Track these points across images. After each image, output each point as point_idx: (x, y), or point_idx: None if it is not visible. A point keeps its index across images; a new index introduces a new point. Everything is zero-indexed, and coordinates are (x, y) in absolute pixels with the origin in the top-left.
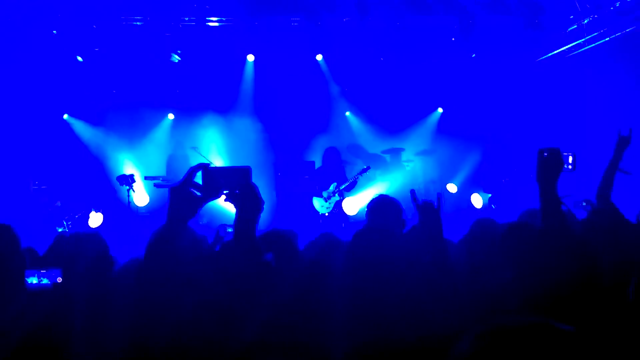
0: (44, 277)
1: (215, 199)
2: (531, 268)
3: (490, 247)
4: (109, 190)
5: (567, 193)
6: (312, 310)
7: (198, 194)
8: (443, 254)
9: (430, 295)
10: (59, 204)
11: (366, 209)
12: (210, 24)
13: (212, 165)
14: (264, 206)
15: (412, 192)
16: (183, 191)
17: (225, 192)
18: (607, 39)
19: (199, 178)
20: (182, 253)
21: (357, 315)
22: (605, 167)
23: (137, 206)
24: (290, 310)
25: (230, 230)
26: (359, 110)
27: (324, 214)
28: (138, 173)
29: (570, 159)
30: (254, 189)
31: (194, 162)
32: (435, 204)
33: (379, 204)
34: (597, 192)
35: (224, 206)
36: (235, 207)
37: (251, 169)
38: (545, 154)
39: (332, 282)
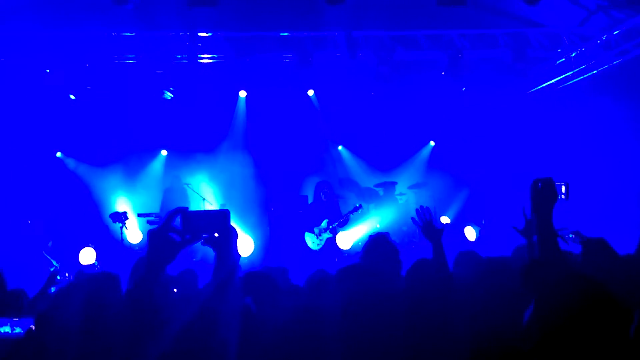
0: (16, 326)
1: (194, 242)
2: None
3: (473, 280)
4: (102, 227)
5: (563, 226)
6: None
7: (177, 238)
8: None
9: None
10: (50, 244)
11: (362, 248)
12: (203, 61)
13: (190, 209)
14: (256, 243)
15: (417, 212)
16: (162, 235)
17: (204, 235)
18: (594, 72)
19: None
20: (160, 297)
21: None
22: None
23: (130, 243)
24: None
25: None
26: (351, 145)
27: (315, 250)
28: (131, 210)
29: (563, 189)
30: (233, 234)
31: (189, 198)
32: (437, 223)
33: (375, 244)
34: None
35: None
36: (214, 250)
37: (230, 212)
38: (539, 184)
39: (321, 331)
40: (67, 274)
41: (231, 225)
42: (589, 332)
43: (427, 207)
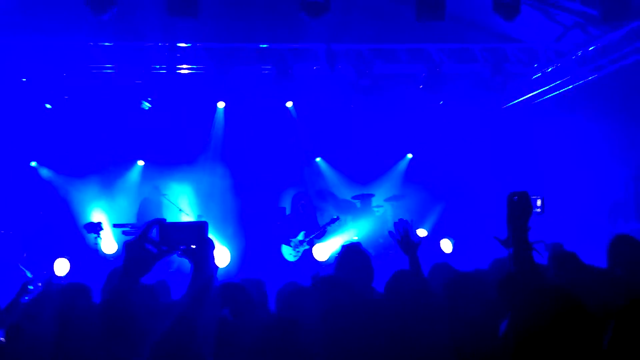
0: None
1: (171, 254)
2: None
3: (447, 292)
4: (77, 238)
5: (539, 239)
6: None
7: (154, 249)
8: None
9: None
10: (25, 255)
11: (335, 259)
12: (181, 71)
13: (168, 221)
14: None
15: (395, 225)
16: (138, 246)
17: (181, 247)
18: (570, 87)
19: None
20: (136, 308)
21: None
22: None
23: (105, 254)
24: None
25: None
26: (329, 157)
27: (292, 261)
28: (107, 220)
29: (539, 202)
30: (210, 247)
31: (166, 209)
32: (414, 237)
33: (347, 254)
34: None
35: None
36: (190, 262)
37: (207, 224)
38: (515, 197)
39: (300, 339)
40: (39, 284)
41: (208, 237)
42: (563, 343)
43: (405, 220)
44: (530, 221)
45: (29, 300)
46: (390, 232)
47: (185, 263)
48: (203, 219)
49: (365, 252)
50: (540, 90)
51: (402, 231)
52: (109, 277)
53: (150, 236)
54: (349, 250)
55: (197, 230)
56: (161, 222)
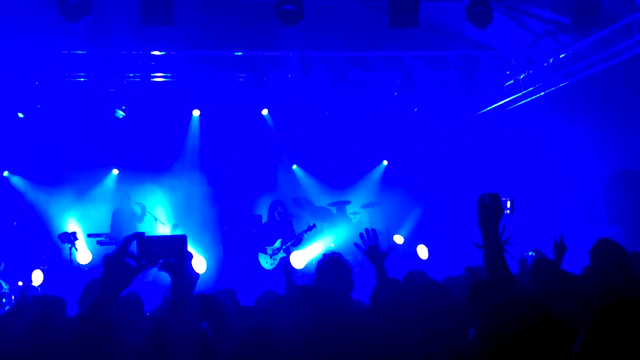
0: None
1: (150, 268)
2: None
3: (421, 299)
4: (51, 248)
5: (508, 237)
6: None
7: (133, 263)
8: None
9: None
10: (2, 266)
11: (315, 268)
12: (156, 79)
13: (147, 235)
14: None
15: (361, 235)
16: (117, 261)
17: (160, 261)
18: (542, 94)
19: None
20: (114, 322)
21: None
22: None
23: (79, 264)
24: None
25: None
26: (305, 164)
27: (269, 269)
28: (81, 230)
29: (509, 204)
30: (189, 259)
31: (140, 218)
32: (382, 247)
33: (328, 264)
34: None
35: None
36: (170, 276)
37: (186, 237)
38: (487, 199)
39: (278, 350)
40: (12, 297)
41: (188, 251)
42: (530, 354)
43: (373, 230)
44: (502, 222)
45: (1, 315)
46: (355, 243)
47: (162, 275)
48: (179, 228)
49: (345, 263)
50: (513, 97)
51: (368, 241)
52: (85, 289)
53: (129, 250)
54: (329, 260)
55: (177, 243)
56: (140, 236)
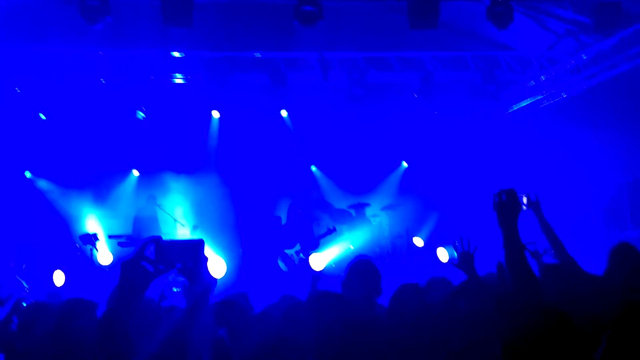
0: None
1: (167, 272)
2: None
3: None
4: (73, 248)
5: (531, 240)
6: None
7: (150, 267)
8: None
9: None
10: (24, 266)
11: (344, 273)
12: (176, 81)
13: (164, 237)
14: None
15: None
16: (135, 265)
17: (177, 265)
18: (564, 96)
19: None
20: (133, 328)
21: None
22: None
23: (100, 265)
24: None
25: (176, 289)
26: (324, 165)
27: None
28: (102, 231)
29: (525, 200)
30: (205, 263)
31: (161, 219)
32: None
33: (358, 270)
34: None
35: None
36: (187, 280)
37: (204, 242)
38: (504, 196)
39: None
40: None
41: (205, 255)
42: None
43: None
44: (522, 222)
45: (24, 317)
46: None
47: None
48: (198, 230)
49: (376, 268)
50: (535, 99)
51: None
52: (111, 296)
53: (146, 254)
54: (359, 265)
55: (194, 248)
56: (157, 240)
